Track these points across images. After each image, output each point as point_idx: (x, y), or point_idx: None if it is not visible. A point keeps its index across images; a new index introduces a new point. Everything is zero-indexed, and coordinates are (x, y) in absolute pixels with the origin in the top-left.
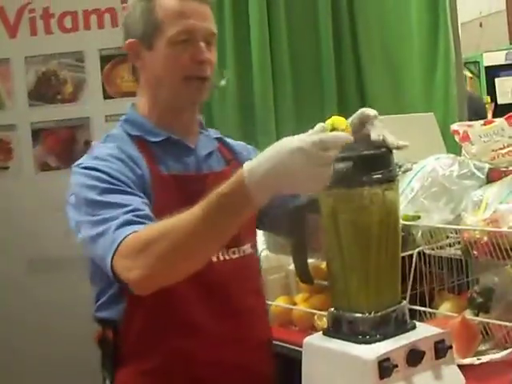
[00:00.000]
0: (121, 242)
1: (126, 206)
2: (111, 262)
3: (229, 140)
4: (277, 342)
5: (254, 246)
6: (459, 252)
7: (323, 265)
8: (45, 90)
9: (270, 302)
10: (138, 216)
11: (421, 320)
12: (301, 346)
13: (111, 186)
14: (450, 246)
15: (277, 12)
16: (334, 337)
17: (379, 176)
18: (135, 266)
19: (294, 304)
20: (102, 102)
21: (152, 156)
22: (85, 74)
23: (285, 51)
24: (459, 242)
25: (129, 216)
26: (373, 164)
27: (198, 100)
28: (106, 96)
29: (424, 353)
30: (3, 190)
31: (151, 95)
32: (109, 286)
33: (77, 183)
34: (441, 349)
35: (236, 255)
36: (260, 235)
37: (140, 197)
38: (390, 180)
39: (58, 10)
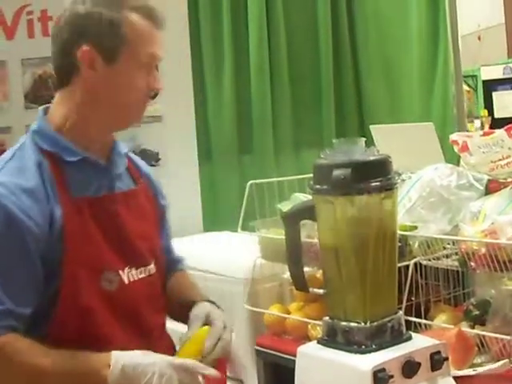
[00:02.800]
0: None
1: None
2: None
3: (133, 156)
4: (270, 351)
5: (158, 265)
6: (456, 263)
7: (318, 274)
8: (41, 93)
9: (263, 311)
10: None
11: (416, 331)
12: (294, 355)
13: (4, 255)
14: (447, 257)
15: (276, 16)
16: (328, 346)
17: (378, 184)
18: None
19: (288, 313)
20: None
21: (64, 178)
22: None
23: (283, 58)
24: (456, 254)
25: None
26: (371, 171)
27: (138, 123)
28: None
29: (420, 364)
30: None
31: (86, 108)
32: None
33: None
34: (437, 360)
35: (143, 275)
36: (255, 242)
37: (29, 267)
38: (389, 188)
39: (55, 13)
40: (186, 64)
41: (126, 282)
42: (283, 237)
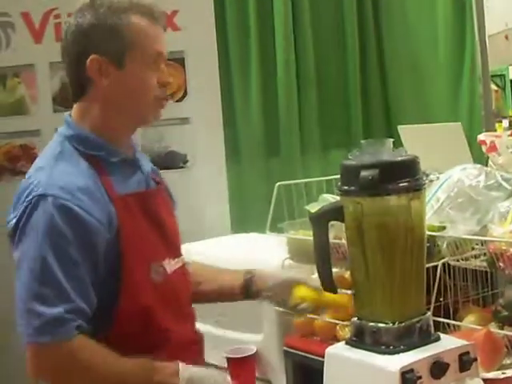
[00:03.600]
0: (51, 342)
1: (69, 301)
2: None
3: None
4: (298, 352)
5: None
6: (485, 264)
7: (347, 274)
8: (70, 96)
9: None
10: (73, 317)
11: (445, 332)
12: (322, 356)
13: (72, 254)
14: (476, 257)
15: (302, 17)
16: (356, 347)
17: (405, 184)
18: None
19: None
20: None
21: (109, 178)
22: None
23: (310, 59)
24: (485, 254)
25: (66, 315)
26: (399, 172)
27: (159, 118)
28: None
29: (448, 365)
30: None
31: (110, 113)
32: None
33: (44, 223)
34: (465, 361)
35: (179, 264)
36: (283, 244)
37: (94, 265)
38: (417, 189)
39: None
40: (214, 66)
41: (169, 272)
42: (311, 238)
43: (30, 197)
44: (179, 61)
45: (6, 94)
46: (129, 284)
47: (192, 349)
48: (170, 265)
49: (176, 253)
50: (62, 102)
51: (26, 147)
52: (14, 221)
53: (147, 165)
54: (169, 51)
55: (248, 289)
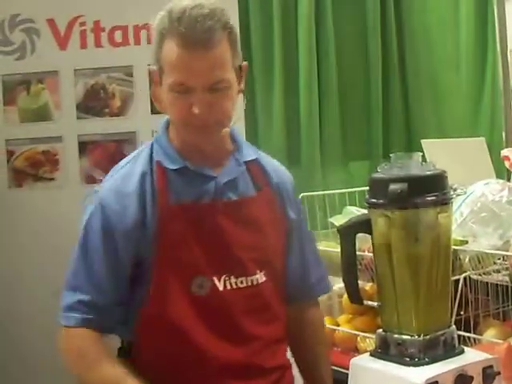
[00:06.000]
0: (68, 325)
1: (85, 292)
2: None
3: (267, 164)
4: None
5: (271, 276)
6: (506, 278)
7: (367, 286)
8: (93, 103)
9: None
10: (88, 309)
11: (465, 345)
12: (343, 367)
13: (97, 251)
14: (497, 272)
15: (326, 32)
16: (381, 358)
17: (433, 198)
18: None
19: (337, 325)
20: (149, 117)
21: (167, 185)
22: (133, 89)
23: (332, 71)
24: (506, 269)
25: (80, 306)
26: (427, 186)
27: (201, 145)
28: (154, 111)
29: (472, 378)
30: (49, 201)
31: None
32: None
33: (87, 213)
34: (489, 375)
35: (244, 284)
36: None
37: (113, 263)
38: (444, 203)
39: (108, 24)
40: None
41: (221, 288)
42: (334, 249)
43: (92, 191)
44: None
45: (30, 99)
46: (157, 290)
47: (245, 379)
48: (229, 282)
49: (241, 271)
50: (85, 109)
51: (48, 153)
52: None
53: (229, 175)
54: None
55: None
